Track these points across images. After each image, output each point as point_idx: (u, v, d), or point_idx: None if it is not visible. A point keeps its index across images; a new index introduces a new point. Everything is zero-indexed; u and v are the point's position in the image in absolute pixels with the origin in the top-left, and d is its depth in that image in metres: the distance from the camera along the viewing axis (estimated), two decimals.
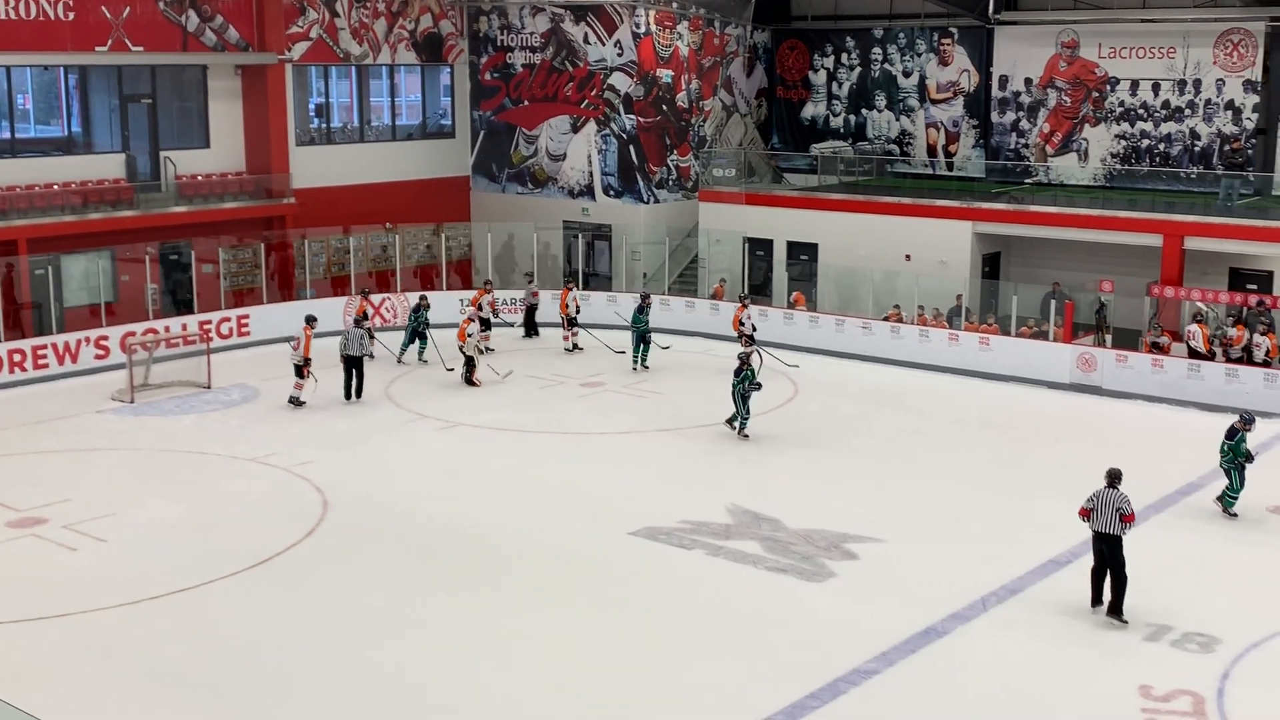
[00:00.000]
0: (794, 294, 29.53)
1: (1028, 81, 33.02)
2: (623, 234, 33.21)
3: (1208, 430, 21.39)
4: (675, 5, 33.38)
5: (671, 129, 33.92)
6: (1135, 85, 31.47)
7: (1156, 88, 31.20)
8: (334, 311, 28.52)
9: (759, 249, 32.09)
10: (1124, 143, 31.86)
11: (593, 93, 33.73)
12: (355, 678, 12.64)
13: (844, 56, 35.97)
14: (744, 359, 21.02)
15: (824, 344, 26.47)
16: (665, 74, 33.44)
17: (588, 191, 34.36)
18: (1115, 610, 13.96)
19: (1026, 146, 33.32)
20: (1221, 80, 30.27)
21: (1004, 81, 33.44)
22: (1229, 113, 30.27)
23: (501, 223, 34.13)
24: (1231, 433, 17.37)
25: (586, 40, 33.58)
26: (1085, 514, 14.17)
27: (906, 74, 34.98)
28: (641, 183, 33.59)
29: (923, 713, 11.92)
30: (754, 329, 26.02)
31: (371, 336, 24.24)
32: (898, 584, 14.95)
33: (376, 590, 14.80)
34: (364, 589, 14.83)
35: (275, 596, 14.68)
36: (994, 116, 33.67)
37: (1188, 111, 30.81)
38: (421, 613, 14.18)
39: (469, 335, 24.36)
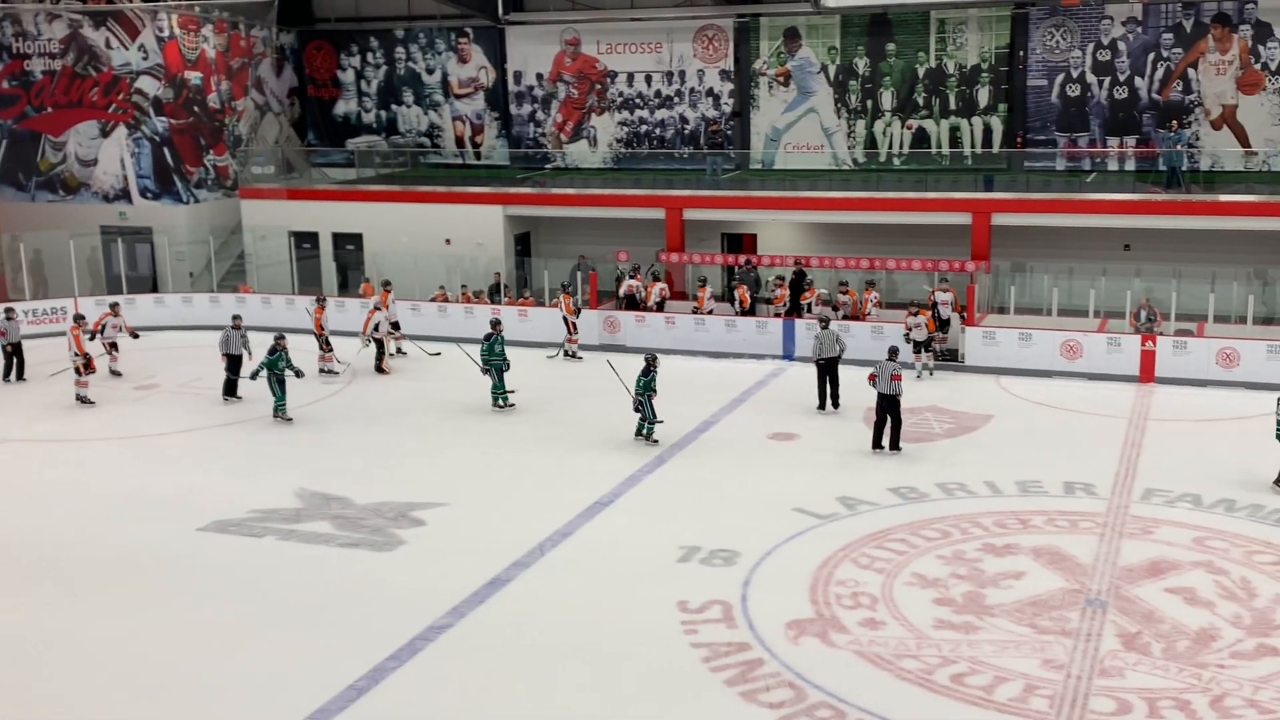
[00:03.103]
0: (363, 283, 28.92)
1: (539, 76, 33.98)
2: (164, 235, 31.26)
3: (715, 375, 23.11)
4: (198, 9, 31.63)
5: (205, 129, 32.20)
6: (631, 77, 33.15)
7: (649, 79, 33.01)
8: None
9: (305, 242, 31.24)
10: (626, 129, 33.51)
11: (120, 97, 31.46)
12: None
13: (369, 56, 35.51)
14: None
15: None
16: (194, 76, 31.65)
17: (124, 195, 32.06)
18: (895, 446, 18.01)
19: (544, 135, 34.31)
20: (701, 70, 32.45)
21: (518, 77, 34.23)
22: (710, 99, 32.53)
23: (33, 232, 31.15)
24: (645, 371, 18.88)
25: (109, 45, 31.21)
26: (872, 379, 18.05)
27: (430, 71, 35.04)
28: (179, 183, 31.73)
29: (494, 655, 12.11)
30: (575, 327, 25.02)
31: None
32: (464, 542, 15.08)
33: None
34: None
35: None
36: (513, 109, 34.41)
37: (676, 99, 32.83)
38: None
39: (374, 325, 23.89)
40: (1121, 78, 29.20)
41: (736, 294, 26.00)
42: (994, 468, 17.35)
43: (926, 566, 13.93)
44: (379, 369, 24.11)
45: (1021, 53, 29.76)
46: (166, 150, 31.55)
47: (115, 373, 23.90)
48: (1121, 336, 22.59)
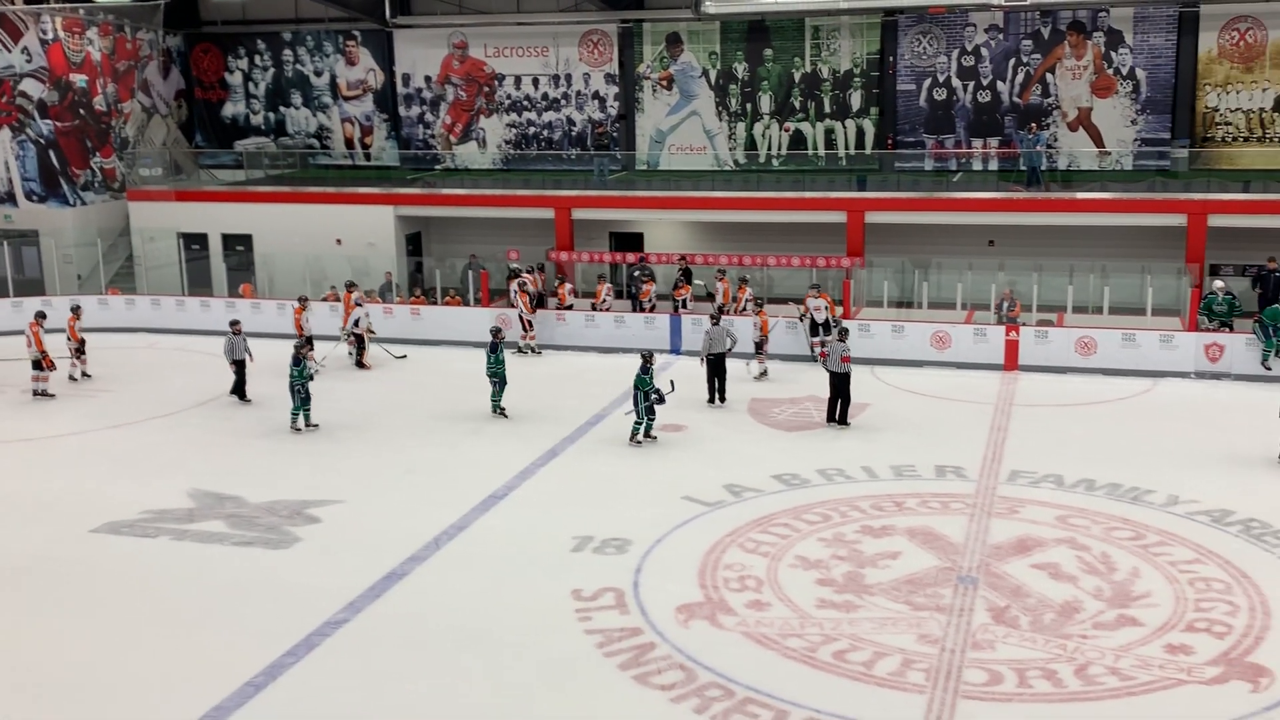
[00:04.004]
0: (242, 285, 28.32)
1: (427, 79, 33.59)
2: (51, 238, 30.17)
3: (605, 369, 23.09)
4: (83, 11, 30.56)
5: (92, 132, 31.16)
6: (519, 80, 32.96)
7: (536, 82, 32.85)
8: None
9: (195, 243, 30.45)
10: (515, 130, 33.31)
11: (3, 99, 30.26)
12: None
13: (257, 58, 34.73)
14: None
15: (270, 328, 25.59)
16: (79, 79, 30.60)
17: (9, 198, 30.86)
18: (843, 421, 18.92)
19: (433, 137, 33.94)
20: (587, 74, 32.40)
21: (407, 79, 33.79)
22: (596, 101, 32.51)
23: None
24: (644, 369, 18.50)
25: None
26: (824, 355, 19.21)
27: (318, 74, 34.39)
28: (66, 186, 30.66)
29: (391, 649, 11.93)
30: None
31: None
32: (359, 538, 14.81)
33: None
34: None
35: None
36: (402, 111, 33.97)
37: (563, 101, 32.74)
38: None
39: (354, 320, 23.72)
40: (984, 82, 29.94)
41: (595, 289, 26.16)
42: (870, 454, 17.64)
43: (809, 549, 14.10)
44: (359, 364, 23.80)
45: (891, 58, 30.32)
46: (52, 153, 30.46)
47: (85, 374, 23.01)
48: (987, 328, 23.16)
